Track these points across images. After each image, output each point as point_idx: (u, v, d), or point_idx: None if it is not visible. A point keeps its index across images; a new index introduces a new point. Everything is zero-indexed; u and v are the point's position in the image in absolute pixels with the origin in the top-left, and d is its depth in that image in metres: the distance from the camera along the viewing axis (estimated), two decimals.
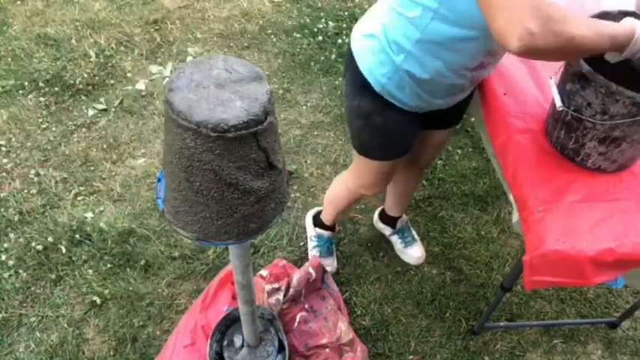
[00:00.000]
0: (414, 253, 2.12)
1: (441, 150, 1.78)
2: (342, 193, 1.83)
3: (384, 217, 2.15)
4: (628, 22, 1.08)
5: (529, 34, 0.93)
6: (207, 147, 0.81)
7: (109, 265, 2.05)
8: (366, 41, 1.36)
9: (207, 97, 0.81)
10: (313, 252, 2.09)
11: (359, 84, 1.40)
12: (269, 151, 0.88)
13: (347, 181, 1.78)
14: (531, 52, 0.97)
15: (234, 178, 0.86)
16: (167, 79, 2.81)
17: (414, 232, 2.17)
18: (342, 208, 1.92)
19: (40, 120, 2.57)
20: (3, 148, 2.44)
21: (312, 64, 2.94)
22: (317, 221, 2.11)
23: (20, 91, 2.68)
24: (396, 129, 1.48)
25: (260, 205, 0.95)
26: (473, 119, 2.52)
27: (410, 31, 1.23)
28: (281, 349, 1.67)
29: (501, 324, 1.98)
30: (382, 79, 1.35)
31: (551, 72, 1.38)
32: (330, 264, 2.09)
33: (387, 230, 2.17)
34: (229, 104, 0.81)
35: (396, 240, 2.15)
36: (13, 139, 2.48)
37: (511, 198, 1.40)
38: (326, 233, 2.09)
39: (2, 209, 2.21)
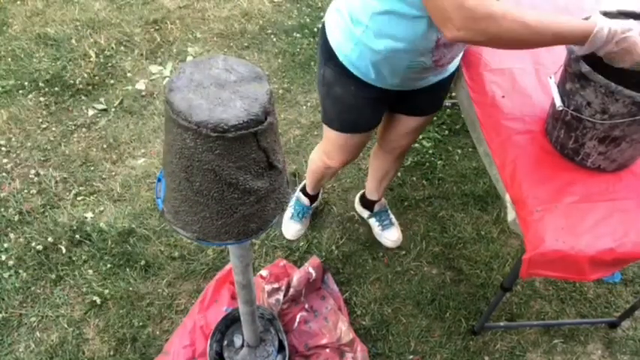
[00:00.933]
0: (390, 236, 2.18)
1: (415, 137, 1.84)
2: (314, 159, 1.93)
3: (364, 201, 2.23)
4: (592, 19, 1.12)
5: (456, 29, 1.06)
6: (207, 147, 0.81)
7: (109, 265, 2.05)
8: (335, 15, 1.43)
9: (207, 97, 0.81)
10: (288, 211, 2.19)
11: (326, 55, 1.48)
12: (269, 151, 0.88)
13: (318, 149, 1.88)
14: (464, 43, 1.12)
15: (234, 178, 0.86)
16: (167, 79, 2.81)
17: (391, 216, 2.23)
18: (315, 176, 1.99)
19: (40, 120, 2.57)
20: (3, 148, 2.44)
21: (312, 63, 2.94)
22: (303, 187, 2.20)
23: (20, 91, 2.68)
24: (355, 103, 1.54)
25: (260, 205, 0.95)
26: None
27: (367, 4, 1.27)
28: (281, 349, 1.67)
29: (501, 324, 1.98)
30: (346, 50, 1.41)
31: (551, 72, 1.38)
32: (296, 230, 2.17)
33: (365, 213, 2.25)
34: (229, 104, 0.81)
35: (373, 223, 2.22)
36: (13, 139, 2.48)
37: (506, 197, 1.40)
38: (303, 199, 2.18)
39: (2, 209, 2.21)
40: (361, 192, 2.27)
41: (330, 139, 1.70)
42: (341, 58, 1.44)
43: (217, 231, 0.95)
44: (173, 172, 0.89)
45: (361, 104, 1.55)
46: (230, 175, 0.86)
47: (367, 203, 2.21)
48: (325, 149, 1.78)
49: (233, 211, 0.92)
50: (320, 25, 3.18)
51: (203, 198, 0.89)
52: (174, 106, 0.79)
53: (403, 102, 1.56)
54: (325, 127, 1.68)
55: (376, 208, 2.19)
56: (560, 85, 1.34)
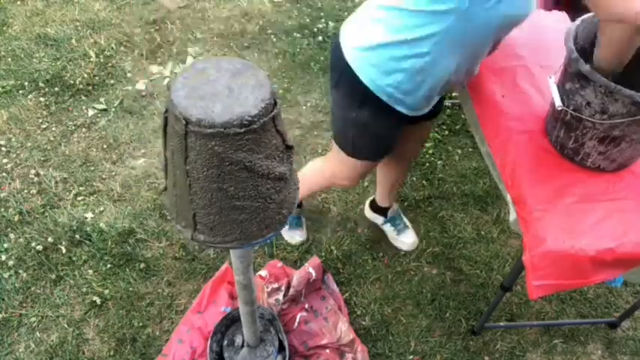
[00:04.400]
0: (406, 239, 2.17)
1: (427, 138, 1.85)
2: (318, 179, 1.88)
3: (375, 207, 2.20)
4: None
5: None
6: (236, 146, 0.81)
7: (109, 265, 2.05)
8: (365, 53, 1.35)
9: (218, 99, 0.81)
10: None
11: (359, 97, 1.41)
12: (283, 133, 0.90)
13: (324, 169, 1.82)
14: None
15: (265, 168, 0.87)
16: (167, 79, 2.81)
17: (405, 219, 2.21)
18: (314, 191, 1.97)
19: (40, 120, 2.57)
20: (3, 148, 2.44)
21: (312, 64, 2.94)
22: None
23: (20, 91, 2.68)
24: (389, 135, 1.55)
25: (287, 188, 0.97)
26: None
27: (424, 30, 1.23)
28: (281, 349, 1.67)
29: (501, 324, 1.98)
30: (388, 88, 1.37)
31: (551, 71, 1.38)
32: (301, 234, 2.17)
33: (378, 220, 2.21)
34: (241, 98, 0.81)
35: (388, 228, 2.19)
36: (13, 139, 2.48)
37: (508, 197, 1.40)
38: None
39: (2, 209, 2.21)
40: (370, 198, 2.23)
41: (353, 167, 1.66)
42: (384, 98, 1.39)
43: (258, 227, 0.95)
44: (202, 189, 0.88)
45: (394, 133, 1.56)
46: (261, 167, 0.87)
47: (379, 210, 2.18)
48: (341, 175, 1.74)
49: (268, 203, 0.93)
50: (320, 26, 3.18)
51: (240, 200, 0.89)
52: (194, 117, 0.79)
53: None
54: (345, 157, 1.63)
55: (390, 214, 2.16)
56: (560, 85, 1.34)
